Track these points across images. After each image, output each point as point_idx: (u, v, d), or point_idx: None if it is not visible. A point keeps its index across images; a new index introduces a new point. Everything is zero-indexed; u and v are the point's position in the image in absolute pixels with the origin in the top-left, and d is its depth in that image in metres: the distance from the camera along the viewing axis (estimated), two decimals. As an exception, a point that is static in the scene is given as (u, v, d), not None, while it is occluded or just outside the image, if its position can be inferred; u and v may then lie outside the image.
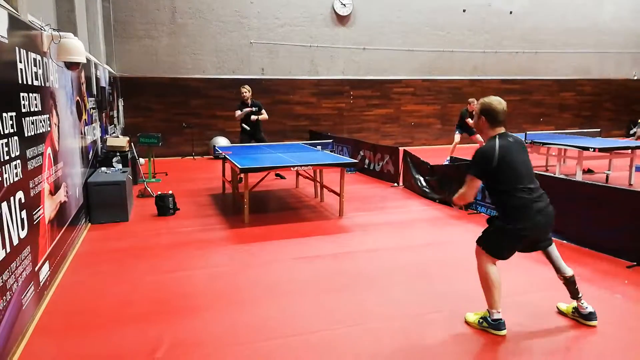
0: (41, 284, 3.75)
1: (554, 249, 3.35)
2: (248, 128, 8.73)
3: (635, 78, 17.05)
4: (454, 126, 11.24)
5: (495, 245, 3.25)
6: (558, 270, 3.36)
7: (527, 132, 9.94)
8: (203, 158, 12.54)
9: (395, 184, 8.55)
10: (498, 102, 3.24)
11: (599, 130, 13.03)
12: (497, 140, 3.17)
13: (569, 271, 3.35)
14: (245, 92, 8.69)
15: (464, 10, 14.71)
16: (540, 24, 15.51)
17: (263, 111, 8.74)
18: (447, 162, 8.55)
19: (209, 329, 3.40)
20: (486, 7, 14.92)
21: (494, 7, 14.97)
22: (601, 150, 7.99)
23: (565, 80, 16.26)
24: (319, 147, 8.76)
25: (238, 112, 8.66)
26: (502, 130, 3.24)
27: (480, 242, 3.34)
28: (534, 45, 15.60)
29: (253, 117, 8.62)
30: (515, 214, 3.12)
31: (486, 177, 3.20)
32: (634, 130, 13.48)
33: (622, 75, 16.94)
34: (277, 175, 8.98)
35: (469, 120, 10.45)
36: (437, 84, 14.92)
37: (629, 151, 8.44)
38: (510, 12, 15.17)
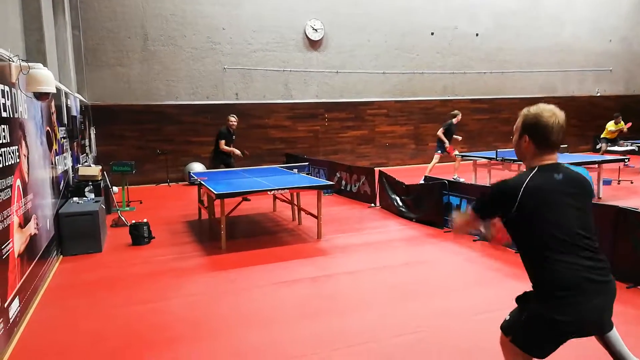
0: (11, 320, 3.61)
1: (615, 334, 2.19)
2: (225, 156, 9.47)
3: (599, 95, 17.72)
4: (428, 146, 11.45)
5: (530, 339, 2.09)
6: None
7: (498, 150, 10.18)
8: (178, 184, 12.39)
9: (373, 205, 8.61)
10: (551, 113, 2.11)
11: (566, 145, 13.42)
12: (531, 174, 2.09)
13: None
14: (235, 122, 9.44)
15: (432, 33, 15.13)
16: (505, 45, 16.04)
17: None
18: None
19: (187, 360, 3.32)
20: (453, 30, 15.38)
21: (460, 29, 15.44)
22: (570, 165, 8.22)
23: (532, 99, 16.70)
24: (296, 170, 8.76)
25: (227, 148, 9.21)
26: (551, 160, 2.15)
27: (507, 330, 2.17)
28: (500, 65, 16.10)
29: (237, 151, 9.34)
30: (558, 294, 2.01)
31: (508, 226, 2.16)
32: (600, 145, 13.93)
33: (585, 92, 17.59)
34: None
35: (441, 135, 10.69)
36: (409, 105, 15.20)
37: (596, 165, 8.72)
38: (477, 34, 15.66)
